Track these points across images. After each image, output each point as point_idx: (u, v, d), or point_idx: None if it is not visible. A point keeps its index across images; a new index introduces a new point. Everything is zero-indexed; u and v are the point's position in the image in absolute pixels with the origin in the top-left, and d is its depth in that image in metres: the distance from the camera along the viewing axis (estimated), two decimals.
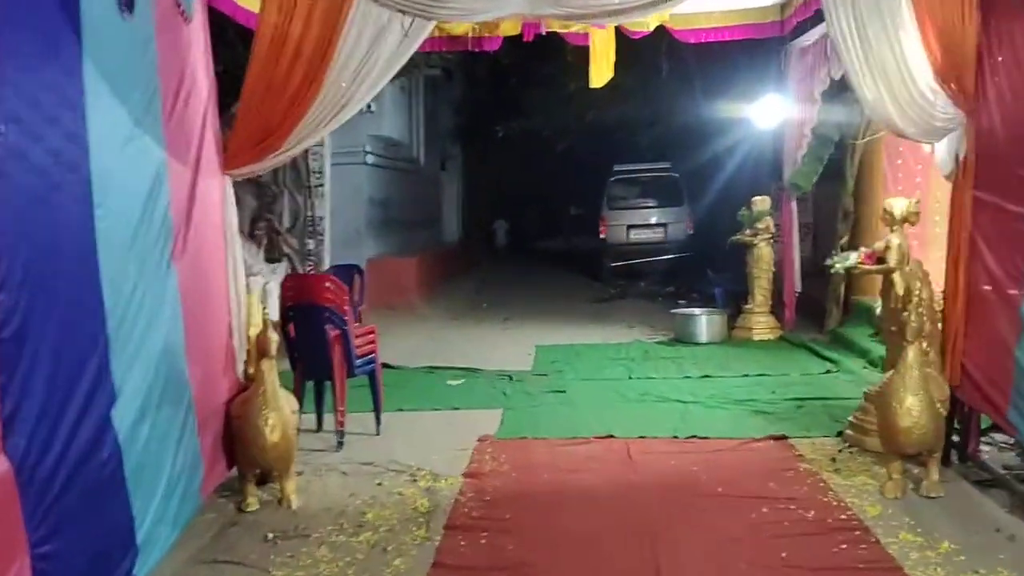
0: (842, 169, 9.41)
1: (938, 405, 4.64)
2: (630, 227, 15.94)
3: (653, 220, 15.97)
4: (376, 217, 13.17)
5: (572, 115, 16.45)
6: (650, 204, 16.11)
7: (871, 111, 5.22)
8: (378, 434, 5.92)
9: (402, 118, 14.93)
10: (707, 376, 7.66)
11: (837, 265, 5.66)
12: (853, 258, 5.55)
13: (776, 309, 9.76)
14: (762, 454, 5.38)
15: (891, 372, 4.79)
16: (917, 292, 4.88)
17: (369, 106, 9.02)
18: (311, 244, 9.12)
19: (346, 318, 5.64)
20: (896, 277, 5.15)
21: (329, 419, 5.90)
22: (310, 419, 5.92)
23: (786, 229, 9.72)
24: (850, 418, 5.69)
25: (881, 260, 5.38)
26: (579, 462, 5.27)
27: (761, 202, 9.63)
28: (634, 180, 16.37)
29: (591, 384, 7.54)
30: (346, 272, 6.45)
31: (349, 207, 11.49)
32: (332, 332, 5.57)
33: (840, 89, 8.62)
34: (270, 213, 9.09)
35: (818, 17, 8.65)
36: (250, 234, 8.65)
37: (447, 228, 19.51)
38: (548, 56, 15.37)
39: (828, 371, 7.62)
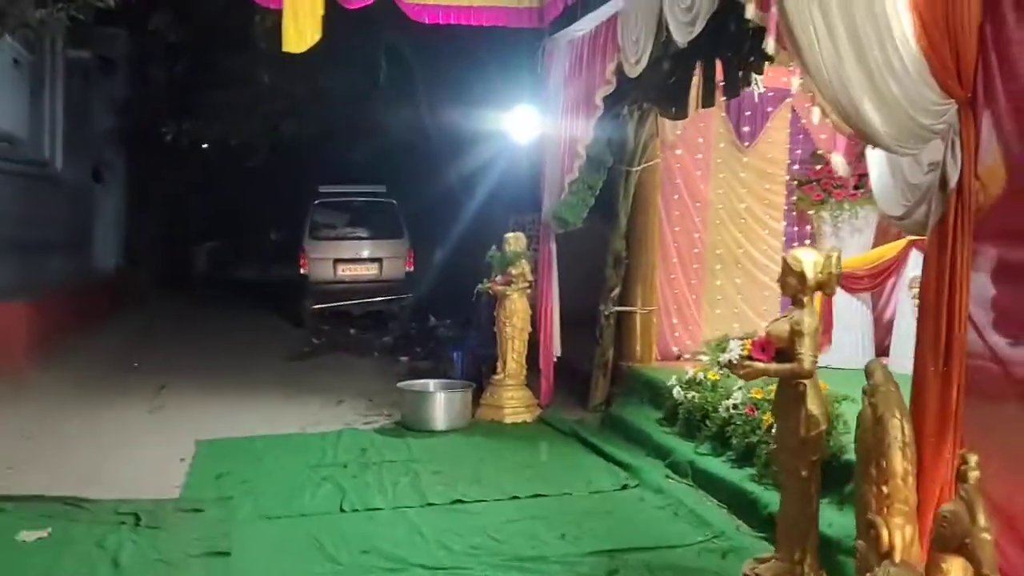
0: (612, 202, 7.41)
1: None
2: (337, 261, 13.11)
3: (365, 254, 13.28)
4: None
5: (262, 122, 13.34)
6: (362, 235, 13.42)
7: (825, 90, 2.99)
8: None
9: (19, 104, 10.90)
10: (459, 502, 5.10)
11: (719, 360, 3.37)
12: (735, 349, 3.29)
13: (530, 380, 7.50)
14: None
15: None
16: (900, 438, 2.63)
17: None
18: None
19: None
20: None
21: None
22: None
23: (544, 276, 7.52)
24: None
25: (782, 353, 3.18)
26: None
27: (515, 240, 7.35)
28: (343, 205, 13.60)
29: (278, 528, 4.67)
30: None
31: None
32: None
33: (616, 99, 6.61)
34: None
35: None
36: None
37: (101, 253, 15.35)
38: (233, 46, 12.26)
39: (625, 486, 5.38)
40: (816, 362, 3.15)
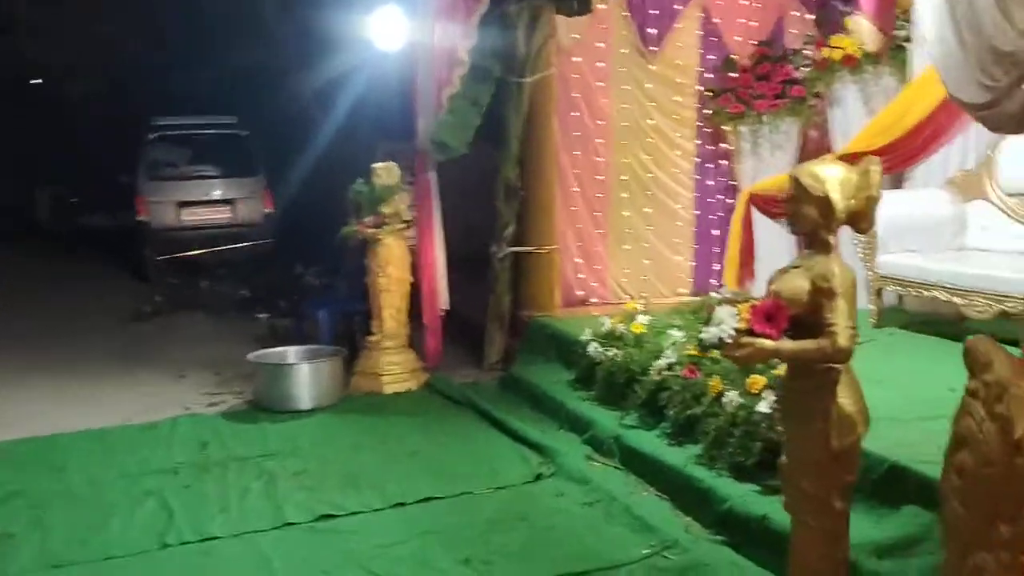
0: (501, 123, 6.17)
1: None
2: (182, 205, 11.36)
3: (216, 195, 11.56)
4: None
5: (98, 46, 11.27)
6: (210, 173, 11.67)
7: None
8: None
9: None
10: (327, 517, 3.89)
11: (704, 338, 2.23)
12: (727, 320, 2.15)
13: (414, 338, 6.28)
14: None
15: None
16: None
17: None
18: None
19: None
20: None
21: None
22: None
23: (424, 214, 6.25)
24: None
25: (798, 323, 2.09)
26: None
27: (386, 172, 6.01)
28: (185, 139, 11.76)
29: None
30: None
31: None
32: None
33: None
34: None
35: None
36: None
37: None
38: None
39: (538, 476, 4.28)
40: (856, 336, 2.09)
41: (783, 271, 2.24)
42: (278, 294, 10.02)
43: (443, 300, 6.38)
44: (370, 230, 5.94)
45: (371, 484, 4.23)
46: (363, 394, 5.87)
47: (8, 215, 15.29)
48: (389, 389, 5.90)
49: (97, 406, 5.81)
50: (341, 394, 5.73)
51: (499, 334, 6.43)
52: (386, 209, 5.98)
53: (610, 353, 4.84)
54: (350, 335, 6.76)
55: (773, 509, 3.16)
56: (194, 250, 11.41)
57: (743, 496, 3.49)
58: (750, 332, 2.08)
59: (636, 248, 6.79)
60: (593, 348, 4.98)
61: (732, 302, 2.16)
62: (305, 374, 5.56)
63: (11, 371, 6.63)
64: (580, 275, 6.63)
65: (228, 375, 6.51)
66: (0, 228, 14.52)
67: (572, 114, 6.47)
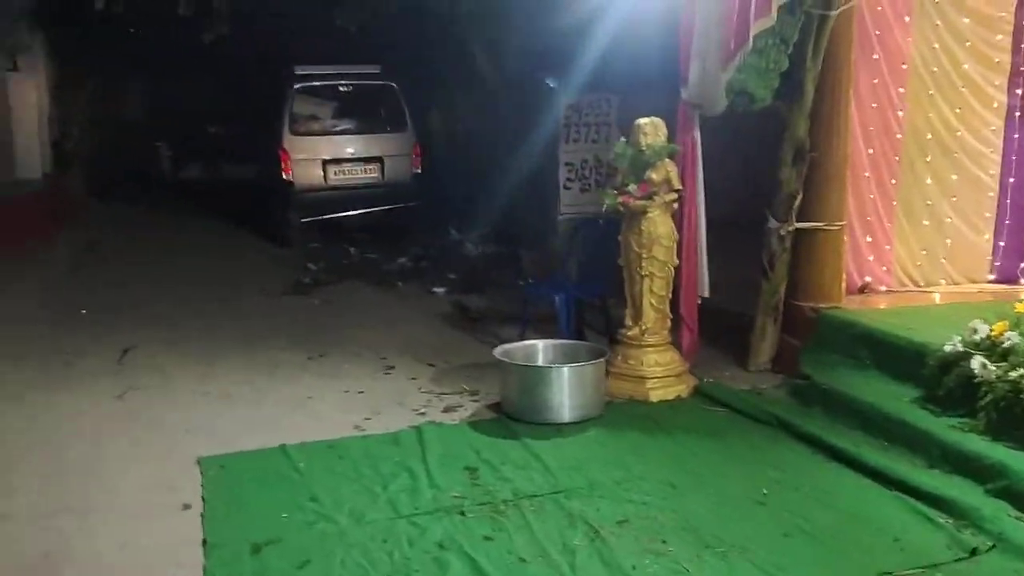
0: (793, 68, 4.95)
1: None
2: (328, 163, 10.45)
3: (363, 152, 10.61)
4: None
5: None
6: (357, 128, 10.71)
7: None
8: None
9: None
10: None
11: None
12: None
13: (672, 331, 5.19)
14: None
15: None
16: None
17: None
18: None
19: None
20: None
21: None
22: None
23: (687, 182, 5.10)
24: None
25: None
26: None
27: (653, 130, 4.88)
28: (330, 92, 10.81)
29: None
30: None
31: None
32: None
33: None
34: None
35: None
36: None
37: (23, 161, 12.37)
38: None
39: (974, 551, 3.14)
40: None
41: None
42: (440, 264, 9.09)
43: (704, 286, 5.27)
44: (638, 201, 4.83)
45: (733, 549, 3.18)
46: (624, 401, 4.83)
47: (76, 180, 14.40)
48: (655, 396, 4.84)
49: (303, 404, 4.92)
50: (603, 405, 4.68)
51: (771, 329, 5.30)
52: (654, 175, 4.87)
53: (1014, 374, 3.66)
54: (579, 325, 5.74)
55: None
56: (338, 212, 10.54)
57: None
58: None
59: (933, 224, 5.55)
60: (978, 364, 3.80)
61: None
62: (570, 380, 4.52)
63: (179, 356, 5.79)
64: (869, 256, 5.44)
65: (443, 367, 5.56)
66: (65, 199, 13.53)
67: (871, 57, 5.22)
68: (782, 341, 5.28)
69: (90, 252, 10.03)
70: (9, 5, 11.96)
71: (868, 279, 5.45)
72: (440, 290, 7.93)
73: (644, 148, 4.85)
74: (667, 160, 4.87)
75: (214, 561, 3.18)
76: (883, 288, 5.47)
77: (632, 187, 4.85)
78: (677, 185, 4.89)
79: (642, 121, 4.91)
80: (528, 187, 8.57)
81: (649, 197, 4.82)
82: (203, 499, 3.67)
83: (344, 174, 10.49)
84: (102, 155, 14.95)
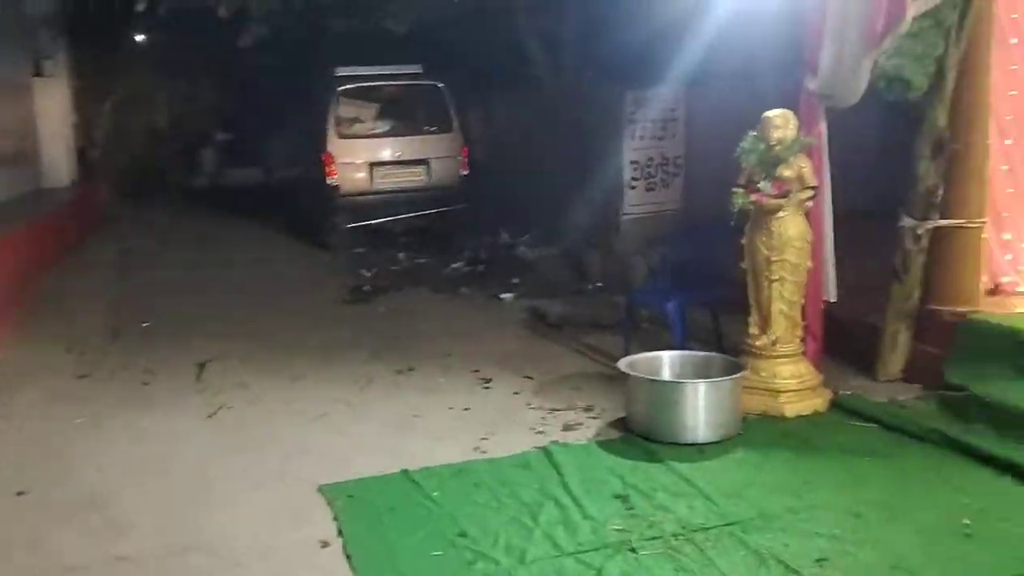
0: (935, 47, 4.56)
1: None
2: (374, 166, 10.08)
3: (408, 155, 10.24)
4: None
5: None
6: (402, 130, 10.35)
7: None
8: None
9: None
10: None
11: None
12: None
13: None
14: None
15: None
16: None
17: None
18: None
19: None
20: None
21: None
22: None
23: (817, 179, 4.71)
24: None
25: None
26: None
27: (784, 123, 4.51)
28: (374, 93, 10.44)
29: None
30: None
31: None
32: None
33: None
34: None
35: None
36: None
37: (50, 169, 12.00)
38: None
39: None
40: None
41: None
42: (497, 268, 8.72)
43: (831, 290, 4.90)
44: (772, 200, 4.45)
45: None
46: (757, 416, 4.45)
47: (104, 186, 13.96)
48: (791, 411, 4.46)
49: (411, 427, 4.54)
50: (739, 423, 4.30)
51: (904, 335, 4.92)
52: (786, 172, 4.49)
53: None
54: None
55: None
56: (385, 216, 10.16)
57: None
58: None
59: None
60: None
61: None
62: (708, 396, 4.15)
63: (258, 369, 5.43)
64: (1007, 255, 5.05)
65: (543, 380, 5.19)
66: (93, 206, 13.03)
67: (1010, 41, 4.85)
68: (915, 348, 4.90)
69: (128, 258, 9.68)
70: (33, 11, 11.64)
71: (1004, 279, 5.06)
72: (507, 296, 7.55)
73: (774, 143, 4.48)
74: (798, 156, 4.49)
75: None
76: (1020, 289, 5.09)
77: (764, 185, 4.47)
78: (812, 182, 4.52)
79: (771, 114, 4.53)
80: (586, 187, 8.20)
81: (784, 195, 4.44)
82: (340, 534, 3.29)
83: (390, 177, 10.12)
84: (131, 162, 14.61)
